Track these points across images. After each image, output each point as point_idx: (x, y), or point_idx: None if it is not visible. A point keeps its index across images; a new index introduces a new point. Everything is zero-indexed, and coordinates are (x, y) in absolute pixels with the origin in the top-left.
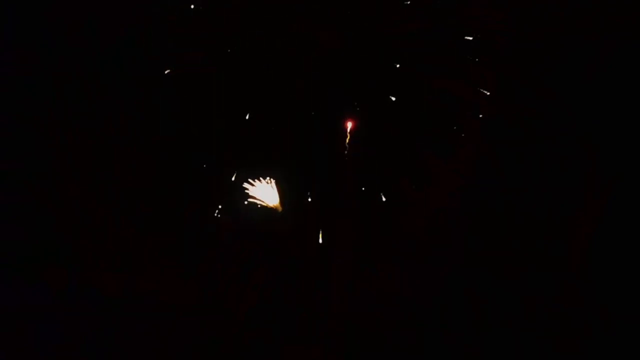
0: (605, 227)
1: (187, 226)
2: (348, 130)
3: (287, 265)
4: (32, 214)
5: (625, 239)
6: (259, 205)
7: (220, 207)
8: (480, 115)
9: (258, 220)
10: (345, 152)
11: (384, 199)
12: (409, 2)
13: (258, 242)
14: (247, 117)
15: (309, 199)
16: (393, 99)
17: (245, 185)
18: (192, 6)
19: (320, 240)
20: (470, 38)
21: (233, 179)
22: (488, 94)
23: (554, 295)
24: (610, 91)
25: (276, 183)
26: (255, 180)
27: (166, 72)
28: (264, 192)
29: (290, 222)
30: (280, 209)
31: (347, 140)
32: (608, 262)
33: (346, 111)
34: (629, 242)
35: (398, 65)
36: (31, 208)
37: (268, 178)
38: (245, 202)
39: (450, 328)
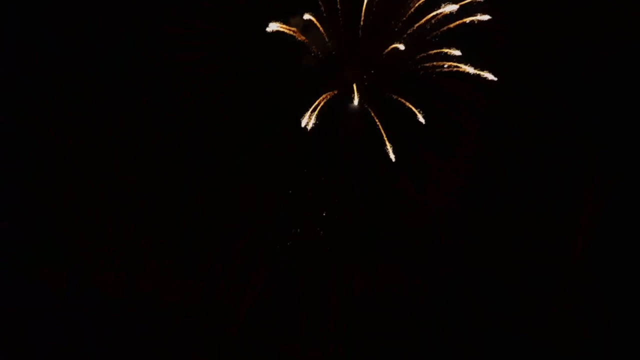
0: (605, 227)
1: (187, 226)
2: (348, 129)
3: (287, 265)
4: (32, 214)
5: (625, 239)
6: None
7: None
8: (480, 115)
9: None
10: (346, 152)
11: (384, 198)
12: (409, 3)
13: (258, 242)
14: (246, 117)
15: (309, 200)
16: (394, 99)
17: None
18: (192, 7)
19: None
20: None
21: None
22: (488, 93)
23: (554, 295)
24: (610, 91)
25: None
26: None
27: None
28: None
29: (289, 222)
30: None
31: (347, 140)
32: (608, 262)
33: (347, 111)
34: (628, 243)
35: (398, 66)
36: (31, 208)
37: None
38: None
39: (450, 328)
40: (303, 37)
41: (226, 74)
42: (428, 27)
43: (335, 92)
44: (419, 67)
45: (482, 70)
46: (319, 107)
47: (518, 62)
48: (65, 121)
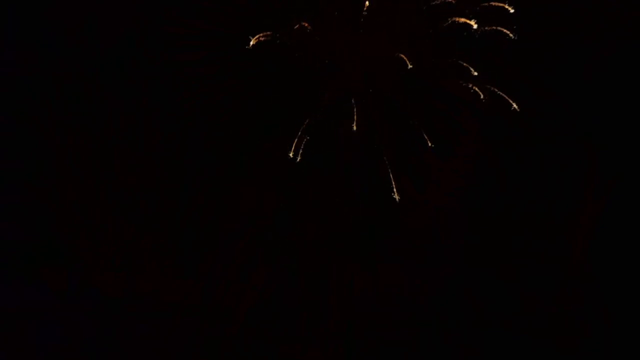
0: (605, 227)
1: (187, 226)
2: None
3: (287, 265)
4: (32, 214)
5: (625, 239)
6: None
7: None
8: (480, 115)
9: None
10: (346, 152)
11: (384, 199)
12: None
13: (258, 242)
14: (246, 117)
15: (310, 200)
16: (395, 99)
17: None
18: (192, 6)
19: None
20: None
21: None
22: (487, 93)
23: (554, 295)
24: (610, 91)
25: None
26: None
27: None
28: None
29: (290, 222)
30: None
31: (348, 140)
32: (608, 262)
33: (347, 110)
34: (628, 242)
35: (398, 66)
36: (31, 208)
37: None
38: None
39: (450, 328)
40: (291, 39)
41: (226, 74)
42: (432, 29)
43: (313, 116)
44: (433, 83)
45: (483, 69)
46: (304, 139)
47: (518, 62)
48: (65, 121)
